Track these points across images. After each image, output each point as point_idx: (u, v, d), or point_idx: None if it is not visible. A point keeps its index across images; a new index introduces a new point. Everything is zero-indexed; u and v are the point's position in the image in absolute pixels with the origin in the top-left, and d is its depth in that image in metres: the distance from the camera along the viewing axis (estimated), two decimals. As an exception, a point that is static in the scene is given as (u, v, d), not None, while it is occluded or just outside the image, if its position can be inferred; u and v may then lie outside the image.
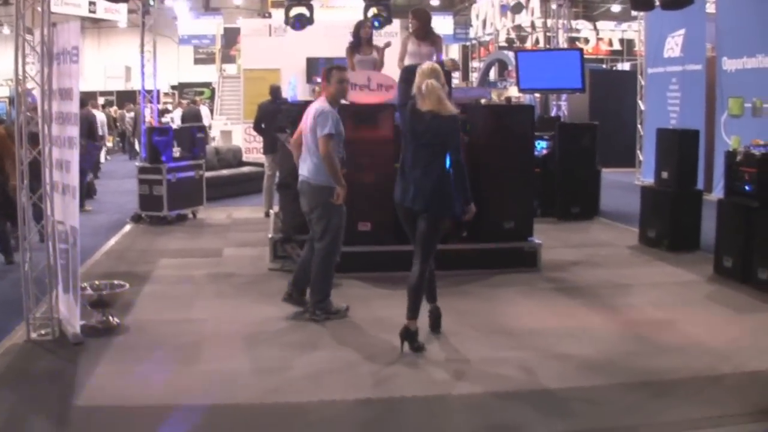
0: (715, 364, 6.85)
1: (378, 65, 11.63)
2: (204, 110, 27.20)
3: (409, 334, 7.09)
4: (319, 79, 15.26)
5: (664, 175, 11.79)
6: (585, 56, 16.16)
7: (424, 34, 11.43)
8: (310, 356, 7.07)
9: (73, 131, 7.19)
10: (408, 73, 7.80)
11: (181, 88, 40.40)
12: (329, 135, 7.84)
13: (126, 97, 34.33)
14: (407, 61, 11.29)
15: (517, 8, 26.82)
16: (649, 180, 16.42)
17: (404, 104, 7.34)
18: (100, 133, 21.53)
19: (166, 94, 34.94)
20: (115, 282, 8.13)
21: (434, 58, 11.40)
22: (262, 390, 6.27)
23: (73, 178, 7.20)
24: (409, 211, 7.17)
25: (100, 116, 26.06)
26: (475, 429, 5.64)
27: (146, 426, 5.68)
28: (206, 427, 5.67)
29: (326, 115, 7.90)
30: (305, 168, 8.13)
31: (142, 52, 15.68)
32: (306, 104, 10.95)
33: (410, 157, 7.15)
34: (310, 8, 15.78)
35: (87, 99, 17.71)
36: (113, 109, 33.37)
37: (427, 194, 7.00)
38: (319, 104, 8.08)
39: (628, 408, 5.96)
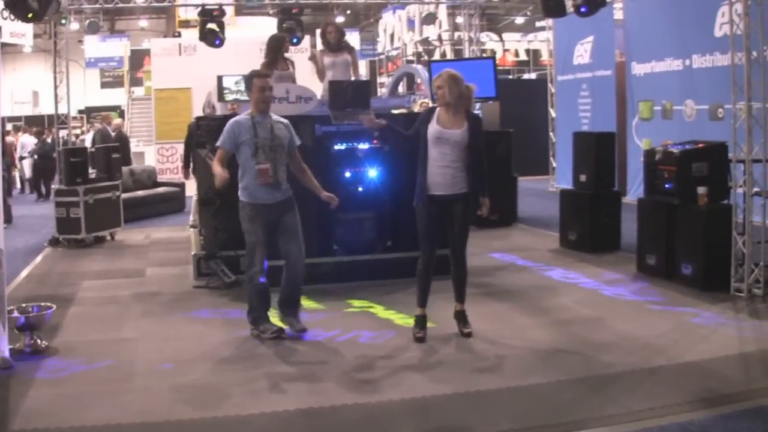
0: (650, 357, 6.99)
1: (294, 80, 11.65)
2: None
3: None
4: (231, 96, 15.22)
5: (582, 177, 11.99)
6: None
7: (340, 46, 11.57)
8: (245, 371, 6.99)
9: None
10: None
11: (89, 112, 39.80)
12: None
13: (34, 122, 33.64)
14: (328, 74, 11.38)
15: (429, 19, 26.92)
16: (563, 186, 16.67)
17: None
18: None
19: (74, 118, 34.34)
20: (42, 304, 7.97)
21: (350, 68, 11.51)
22: (200, 405, 6.19)
23: (-4, 199, 7.05)
24: None
25: (30, 139, 25.83)
26: (417, 432, 5.66)
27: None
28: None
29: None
30: None
31: (56, 74, 15.38)
32: (225, 118, 10.93)
33: None
34: (221, 25, 15.76)
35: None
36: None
37: None
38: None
39: (570, 404, 6.03)
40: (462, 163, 7.54)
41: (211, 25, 15.53)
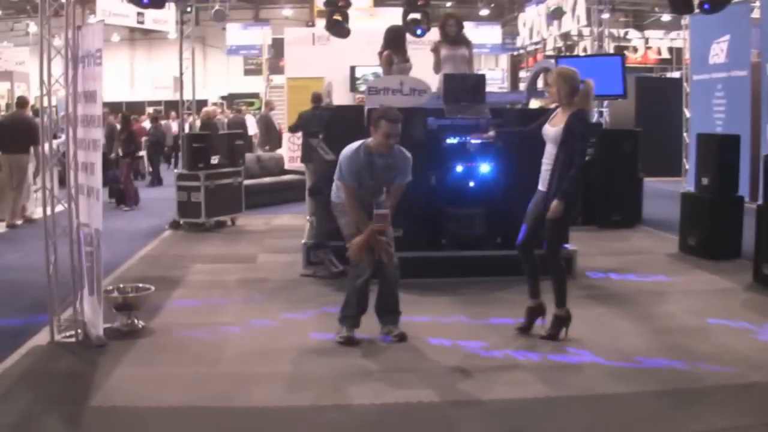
0: (747, 372, 6.68)
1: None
2: (249, 119, 27.23)
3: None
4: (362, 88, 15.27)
5: (704, 181, 11.58)
6: (633, 65, 15.93)
7: (460, 38, 11.48)
8: (330, 363, 6.98)
9: (97, 134, 7.21)
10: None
11: (231, 99, 40.63)
12: (346, 183, 7.36)
13: (174, 107, 34.54)
14: (444, 67, 11.26)
15: (557, 13, 26.45)
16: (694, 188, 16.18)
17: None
18: None
19: (214, 104, 35.09)
20: (141, 285, 8.13)
21: (467, 63, 11.40)
22: (278, 394, 6.24)
23: (97, 181, 7.19)
24: None
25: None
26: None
27: (158, 426, 5.69)
28: (221, 428, 5.65)
29: (341, 158, 7.38)
30: None
31: (182, 60, 15.62)
32: (340, 109, 10.96)
33: None
34: (345, 15, 15.73)
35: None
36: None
37: None
38: (354, 144, 7.46)
39: (649, 416, 5.82)
40: (557, 162, 7.36)
41: (336, 16, 15.53)
